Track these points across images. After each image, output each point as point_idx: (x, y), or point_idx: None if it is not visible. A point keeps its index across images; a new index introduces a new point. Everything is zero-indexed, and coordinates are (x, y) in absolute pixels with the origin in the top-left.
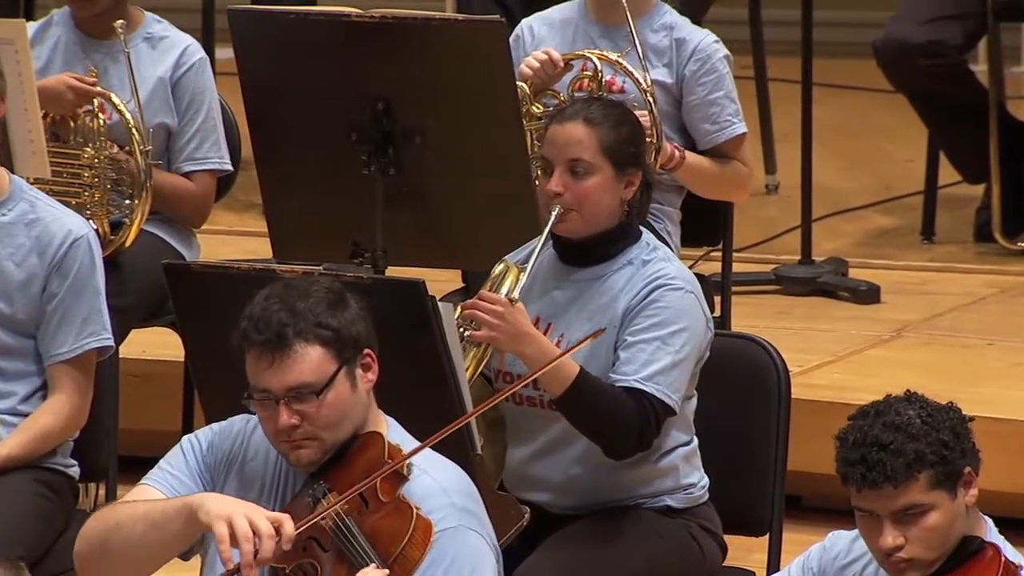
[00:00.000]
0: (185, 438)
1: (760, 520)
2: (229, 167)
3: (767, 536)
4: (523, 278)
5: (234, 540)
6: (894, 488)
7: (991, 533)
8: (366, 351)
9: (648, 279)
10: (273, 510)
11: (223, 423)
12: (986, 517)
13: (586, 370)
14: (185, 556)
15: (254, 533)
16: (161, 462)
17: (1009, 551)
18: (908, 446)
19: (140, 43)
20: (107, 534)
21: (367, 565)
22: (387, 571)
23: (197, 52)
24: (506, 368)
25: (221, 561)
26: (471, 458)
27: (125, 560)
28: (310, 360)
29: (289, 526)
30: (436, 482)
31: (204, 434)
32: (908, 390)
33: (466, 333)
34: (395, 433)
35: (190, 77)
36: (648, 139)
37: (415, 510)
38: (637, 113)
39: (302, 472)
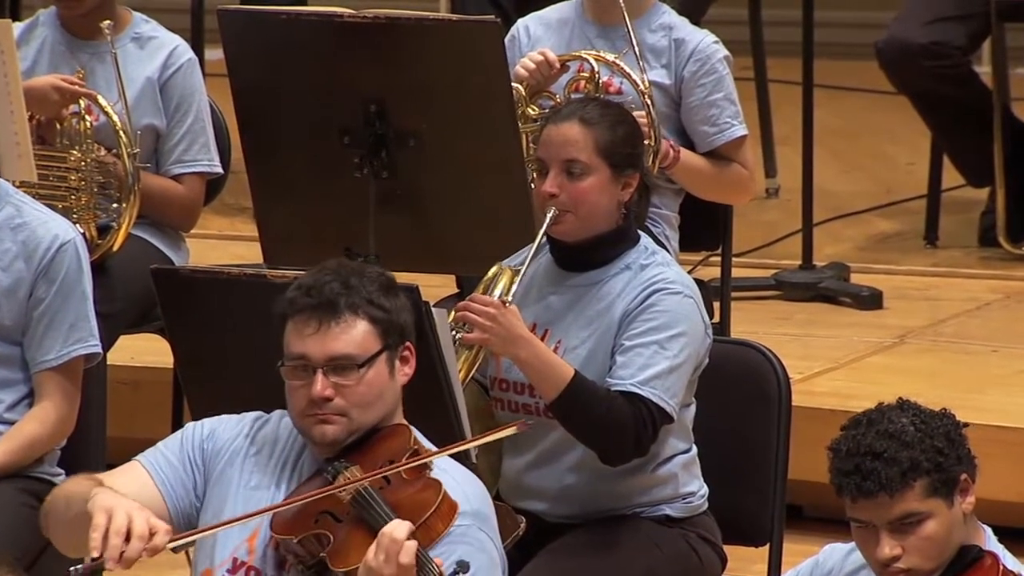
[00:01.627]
0: (190, 423)
1: (760, 530)
2: (219, 170)
3: (767, 546)
4: (517, 281)
5: (107, 533)
6: (889, 497)
7: (990, 541)
8: (407, 343)
9: (646, 283)
10: (277, 499)
11: (235, 415)
12: (984, 525)
13: (581, 374)
14: (175, 548)
15: (129, 531)
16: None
17: (1008, 559)
18: (902, 454)
19: (128, 43)
20: (51, 502)
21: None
22: (411, 525)
23: (186, 53)
24: (502, 375)
25: (90, 547)
26: (467, 467)
27: (55, 531)
28: (356, 333)
29: (162, 538)
30: (456, 482)
31: (211, 421)
32: (900, 397)
33: (458, 336)
34: (416, 436)
35: (178, 78)
36: (645, 141)
37: (443, 486)
38: (634, 115)
39: (317, 457)
